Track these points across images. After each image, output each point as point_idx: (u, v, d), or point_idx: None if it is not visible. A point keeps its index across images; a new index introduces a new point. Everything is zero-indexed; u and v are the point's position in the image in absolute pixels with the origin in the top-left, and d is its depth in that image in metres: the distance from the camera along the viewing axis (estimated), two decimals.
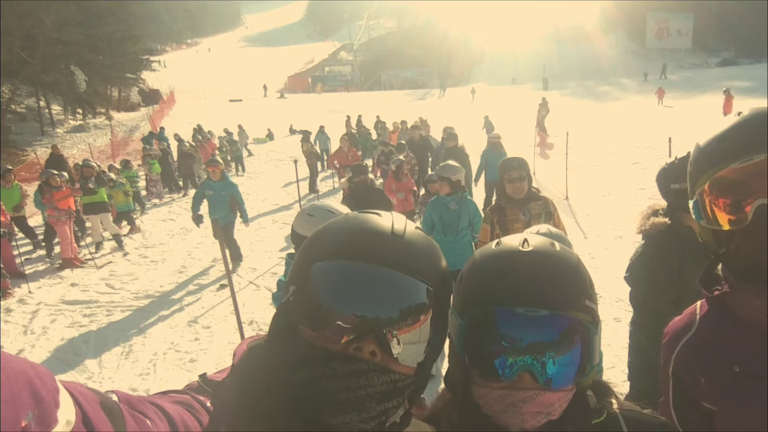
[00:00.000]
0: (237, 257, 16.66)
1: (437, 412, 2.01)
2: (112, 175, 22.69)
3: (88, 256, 18.49)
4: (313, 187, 28.66)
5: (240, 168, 38.77)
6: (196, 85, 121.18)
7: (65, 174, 19.93)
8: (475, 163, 19.91)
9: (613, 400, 1.89)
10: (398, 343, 1.50)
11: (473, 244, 9.88)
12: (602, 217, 18.73)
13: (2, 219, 16.61)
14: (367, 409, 1.47)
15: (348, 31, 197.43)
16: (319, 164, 32.69)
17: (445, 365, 1.91)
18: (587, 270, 1.78)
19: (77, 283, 16.16)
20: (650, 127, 38.40)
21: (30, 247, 20.09)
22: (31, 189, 22.29)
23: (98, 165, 23.75)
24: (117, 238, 20.10)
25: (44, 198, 17.87)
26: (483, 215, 9.22)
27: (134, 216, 23.57)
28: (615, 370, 8.23)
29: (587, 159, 29.27)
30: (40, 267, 18.12)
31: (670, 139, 20.12)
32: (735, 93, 45.13)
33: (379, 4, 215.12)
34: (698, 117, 42.03)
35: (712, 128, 1.98)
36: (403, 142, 23.68)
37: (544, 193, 8.26)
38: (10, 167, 20.67)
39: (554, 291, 1.65)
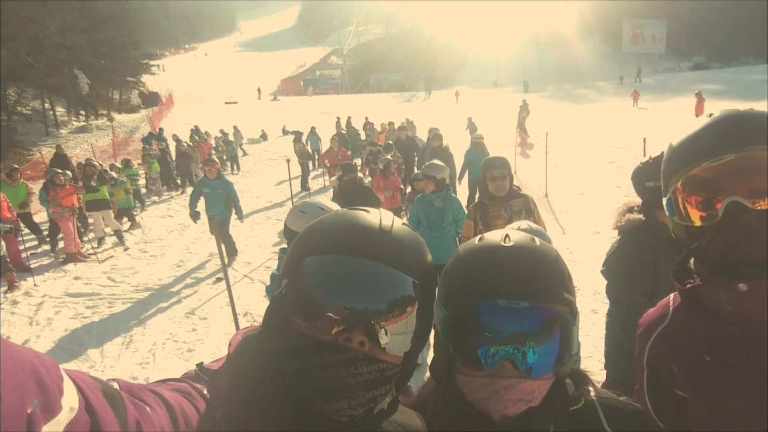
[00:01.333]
0: (232, 252, 16.61)
1: (423, 399, 2.01)
2: (114, 174, 22.68)
3: (91, 251, 18.46)
4: (304, 185, 28.72)
5: (235, 167, 38.78)
6: (194, 88, 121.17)
7: (69, 173, 20.00)
8: (458, 162, 19.85)
9: (591, 388, 1.90)
10: (386, 334, 1.50)
11: (457, 239, 9.90)
12: (580, 214, 18.76)
13: (9, 215, 16.56)
14: (357, 396, 1.47)
15: (338, 37, 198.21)
16: (310, 163, 32.53)
17: (430, 355, 1.91)
18: (566, 264, 1.78)
19: (80, 276, 16.16)
20: (626, 128, 38.41)
21: (35, 243, 20.04)
22: (36, 187, 22.28)
23: (100, 164, 23.82)
24: (118, 233, 20.09)
25: (49, 195, 17.83)
26: (466, 212, 9.25)
27: (134, 213, 23.56)
28: (592, 359, 8.26)
29: (566, 158, 29.26)
30: (45, 261, 18.09)
31: (644, 139, 20.15)
32: (706, 96, 45.41)
33: (367, 11, 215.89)
34: (671, 118, 42.06)
35: (685, 129, 2.00)
36: (390, 142, 23.69)
37: (525, 191, 8.27)
38: (16, 166, 20.61)
39: (534, 284, 1.65)
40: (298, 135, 35.52)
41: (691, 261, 2.15)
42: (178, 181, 33.43)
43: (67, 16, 61.87)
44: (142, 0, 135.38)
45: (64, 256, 17.84)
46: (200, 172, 26.88)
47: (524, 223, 4.94)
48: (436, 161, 10.62)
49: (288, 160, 24.77)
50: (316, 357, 1.46)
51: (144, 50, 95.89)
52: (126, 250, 19.11)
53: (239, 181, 30.97)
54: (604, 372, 5.37)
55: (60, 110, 62.41)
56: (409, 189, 17.29)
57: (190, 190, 26.05)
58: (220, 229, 11.68)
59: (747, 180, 1.80)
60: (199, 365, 1.76)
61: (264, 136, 54.35)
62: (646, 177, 4.68)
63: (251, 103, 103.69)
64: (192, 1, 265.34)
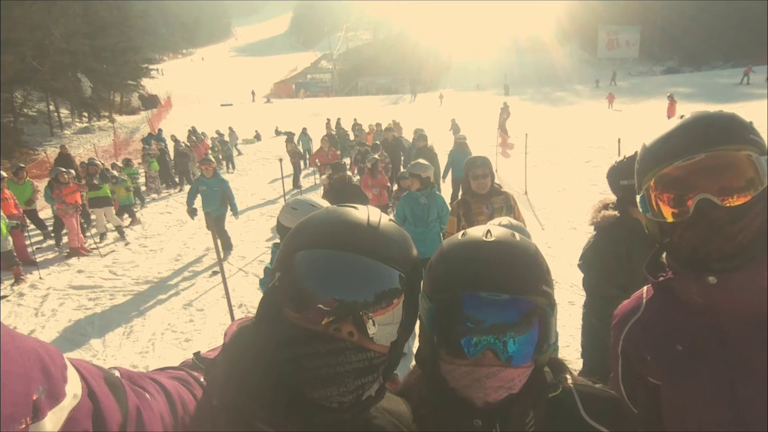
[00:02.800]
0: (228, 246, 16.64)
1: (409, 386, 2.02)
2: (115, 173, 22.62)
3: (93, 246, 18.46)
4: (296, 183, 28.72)
5: (230, 166, 38.77)
6: (191, 91, 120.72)
7: (72, 171, 19.91)
8: (443, 161, 19.88)
9: (568, 376, 1.92)
10: (373, 324, 1.51)
11: (441, 234, 9.91)
12: (558, 211, 18.78)
13: (15, 212, 16.60)
14: (346, 383, 1.49)
15: (328, 42, 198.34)
16: (302, 162, 32.40)
17: (415, 344, 1.91)
18: (544, 258, 1.78)
19: (83, 270, 16.13)
20: (601, 129, 38.49)
21: (40, 238, 19.98)
22: (41, 185, 22.18)
23: (102, 163, 23.89)
24: (119, 229, 20.07)
25: (53, 193, 17.85)
26: (450, 208, 9.26)
27: (135, 209, 23.50)
28: (569, 348, 8.27)
29: (544, 158, 29.29)
30: (50, 255, 18.05)
31: (619, 139, 20.21)
32: (678, 98, 45.51)
33: (356, 18, 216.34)
34: (645, 120, 42.00)
35: (658, 130, 2.01)
36: (378, 142, 23.66)
37: (506, 189, 8.27)
38: (23, 165, 20.58)
39: (514, 277, 1.65)
40: (290, 135, 35.45)
41: (664, 255, 2.17)
42: (176, 180, 33.43)
43: (70, 23, 61.82)
44: (143, 2, 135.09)
45: (68, 250, 17.80)
46: (197, 171, 26.71)
47: (505, 219, 4.98)
48: (421, 160, 10.65)
49: (280, 160, 24.87)
50: (308, 346, 1.47)
51: (144, 55, 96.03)
52: (127, 244, 19.07)
53: (234, 179, 30.96)
54: (581, 361, 5.34)
55: (64, 112, 62.41)
56: (395, 187, 17.22)
57: (187, 187, 25.81)
58: (216, 225, 11.70)
59: (716, 178, 1.83)
60: (196, 354, 1.75)
61: (258, 137, 54.27)
62: (621, 175, 4.68)
63: (246, 105, 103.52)
64: (189, 8, 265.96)
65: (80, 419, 1.04)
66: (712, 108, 1.97)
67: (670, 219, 1.95)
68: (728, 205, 1.82)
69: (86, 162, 22.32)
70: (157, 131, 50.99)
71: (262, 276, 8.27)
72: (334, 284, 1.51)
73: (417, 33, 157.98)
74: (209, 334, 10.95)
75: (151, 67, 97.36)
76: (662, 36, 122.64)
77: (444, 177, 20.23)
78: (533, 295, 1.66)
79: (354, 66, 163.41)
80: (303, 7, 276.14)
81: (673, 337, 2.07)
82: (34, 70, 50.26)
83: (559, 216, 18.05)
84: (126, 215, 22.49)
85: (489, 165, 7.93)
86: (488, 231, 1.77)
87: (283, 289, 1.57)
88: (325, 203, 5.75)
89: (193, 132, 45.46)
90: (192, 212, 16.35)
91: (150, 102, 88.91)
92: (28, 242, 17.14)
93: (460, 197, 8.43)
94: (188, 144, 37.91)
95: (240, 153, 44.78)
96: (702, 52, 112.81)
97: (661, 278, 2.11)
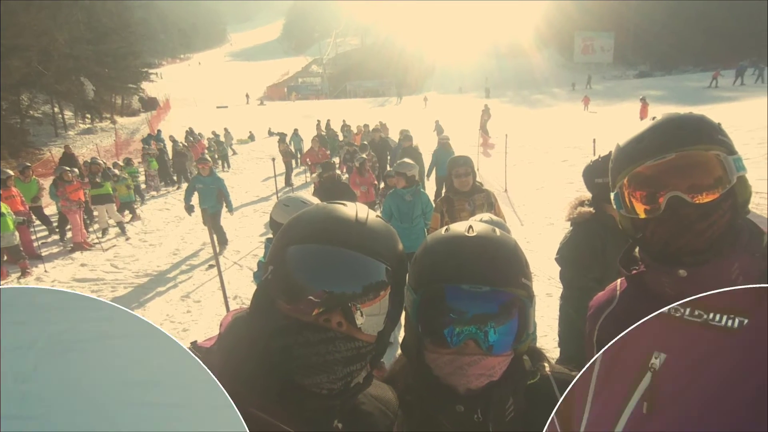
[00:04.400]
0: (223, 241, 16.60)
1: (395, 374, 2.04)
2: (116, 171, 22.61)
3: (96, 241, 18.42)
4: (288, 181, 28.73)
5: (226, 165, 38.64)
6: (188, 93, 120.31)
7: (76, 170, 20.03)
8: (427, 160, 19.95)
9: (546, 364, 1.93)
10: (361, 315, 1.53)
11: (426, 230, 9.91)
12: (536, 207, 18.80)
13: (22, 209, 16.62)
14: (335, 371, 1.50)
15: (318, 48, 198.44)
16: (293, 161, 32.55)
17: (401, 334, 1.91)
18: (523, 252, 1.79)
19: (86, 263, 16.10)
20: (577, 130, 38.38)
21: (46, 233, 19.93)
22: (46, 183, 22.10)
23: (104, 162, 23.89)
24: (120, 225, 20.09)
25: (58, 191, 17.81)
26: (434, 205, 9.27)
27: (135, 206, 23.47)
28: (547, 338, 8.27)
29: (523, 157, 29.27)
30: (55, 250, 18.00)
31: (594, 140, 20.26)
32: (650, 101, 45.44)
33: (345, 24, 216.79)
34: (618, 121, 41.80)
35: (631, 131, 2.01)
36: (365, 142, 23.74)
37: (487, 187, 8.28)
38: (29, 164, 20.51)
39: (495, 270, 1.66)
40: (282, 136, 35.42)
41: (636, 250, 2.17)
42: (175, 178, 33.52)
43: (74, 29, 62.02)
44: (143, 9, 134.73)
45: (71, 245, 17.76)
46: (194, 170, 26.61)
47: (486, 216, 4.96)
48: (407, 160, 10.65)
49: (273, 159, 24.93)
50: (299, 336, 1.49)
51: (144, 60, 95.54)
52: (127, 239, 19.05)
53: (229, 177, 30.94)
54: (558, 350, 5.36)
55: (68, 114, 62.50)
56: (382, 185, 17.26)
57: (185, 185, 25.89)
58: (212, 221, 11.69)
59: (687, 176, 1.84)
60: (193, 343, 1.75)
61: (252, 137, 54.05)
62: (596, 174, 4.70)
63: (240, 107, 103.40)
64: (187, 15, 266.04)
65: None
66: (683, 110, 1.98)
67: (642, 215, 1.96)
68: (698, 202, 1.83)
69: (89, 161, 22.27)
70: (156, 132, 51.14)
71: (255, 269, 8.26)
72: (323, 277, 1.52)
73: (403, 39, 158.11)
74: (205, 325, 10.94)
75: (150, 71, 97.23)
76: (635, 42, 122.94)
77: (428, 175, 20.24)
78: (513, 288, 1.67)
79: (343, 70, 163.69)
80: (295, 14, 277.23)
81: None
82: (39, 74, 50.39)
83: (537, 212, 18.08)
84: (127, 212, 22.41)
85: (471, 164, 7.95)
86: (470, 227, 1.77)
87: (276, 281, 1.58)
88: (316, 200, 5.76)
89: (190, 133, 45.33)
90: (189, 209, 16.33)
91: (149, 104, 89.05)
92: (33, 237, 17.12)
93: (443, 195, 8.45)
94: (186, 144, 37.92)
95: (235, 153, 44.59)
96: (673, 57, 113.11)
97: (634, 271, 2.12)
